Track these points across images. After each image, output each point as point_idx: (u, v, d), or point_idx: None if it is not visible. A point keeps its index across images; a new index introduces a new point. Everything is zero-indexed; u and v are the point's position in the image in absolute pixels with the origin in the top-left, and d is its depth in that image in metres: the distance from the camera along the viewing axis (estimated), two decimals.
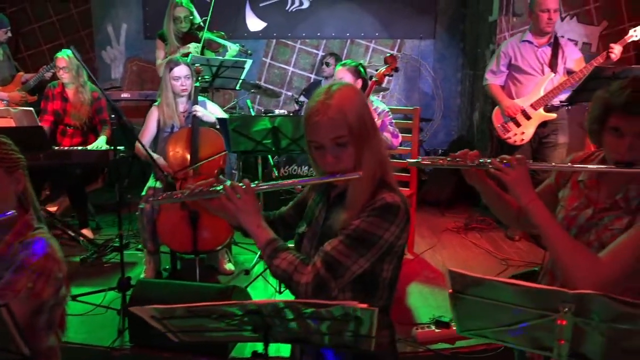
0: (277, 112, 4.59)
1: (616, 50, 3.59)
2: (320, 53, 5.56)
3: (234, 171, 5.24)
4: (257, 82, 5.56)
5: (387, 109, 3.34)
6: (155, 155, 3.30)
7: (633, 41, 3.79)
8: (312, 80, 5.55)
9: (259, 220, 1.51)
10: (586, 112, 4.14)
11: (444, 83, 5.64)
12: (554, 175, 1.78)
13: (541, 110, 3.80)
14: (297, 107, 4.75)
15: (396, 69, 3.32)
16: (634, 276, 1.51)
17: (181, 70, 3.33)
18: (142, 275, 3.31)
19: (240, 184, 1.49)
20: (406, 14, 5.46)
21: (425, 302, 3.11)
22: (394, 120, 3.33)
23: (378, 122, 3.19)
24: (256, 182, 1.56)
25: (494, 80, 4.00)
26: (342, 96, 1.45)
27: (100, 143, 3.84)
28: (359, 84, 3.27)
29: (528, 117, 3.82)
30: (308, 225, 1.63)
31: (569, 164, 1.71)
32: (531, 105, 3.80)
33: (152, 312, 1.09)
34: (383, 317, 1.58)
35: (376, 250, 1.46)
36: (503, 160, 1.55)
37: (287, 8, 5.49)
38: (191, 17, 4.32)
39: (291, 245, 1.62)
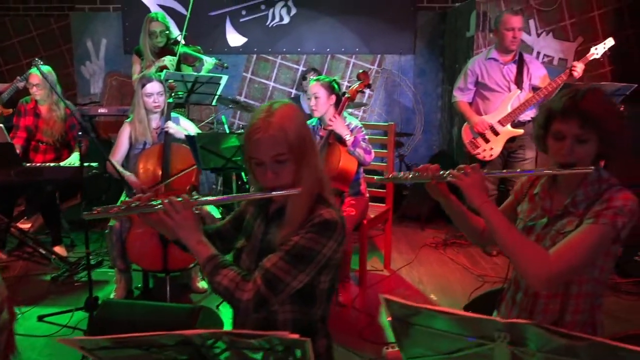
0: None
1: (578, 68, 3.70)
2: (301, 68, 5.57)
3: (213, 186, 5.21)
4: (238, 97, 5.55)
5: (360, 125, 3.33)
6: (126, 173, 3.27)
7: (595, 59, 3.89)
8: (292, 95, 5.54)
9: (199, 236, 1.53)
10: None
11: (424, 98, 5.65)
12: (513, 192, 1.88)
13: (508, 126, 3.86)
14: None
15: (369, 85, 3.33)
16: (589, 268, 1.57)
17: (153, 87, 3.31)
18: (112, 295, 3.25)
19: (179, 199, 1.50)
20: (386, 30, 5.49)
21: None
22: (367, 137, 3.31)
23: (351, 138, 3.18)
24: (196, 196, 1.57)
25: (462, 97, 4.07)
26: (283, 114, 1.49)
27: (73, 159, 3.80)
28: (332, 99, 3.27)
29: (496, 133, 3.88)
30: (247, 240, 1.65)
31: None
32: (499, 122, 3.86)
33: (80, 343, 1.05)
34: (321, 327, 1.62)
35: (315, 265, 1.49)
36: (459, 169, 1.63)
37: (267, 23, 5.50)
38: (167, 32, 4.32)
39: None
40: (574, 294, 1.59)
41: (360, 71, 3.34)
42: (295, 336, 1.00)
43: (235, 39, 5.53)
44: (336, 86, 3.30)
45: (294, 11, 5.49)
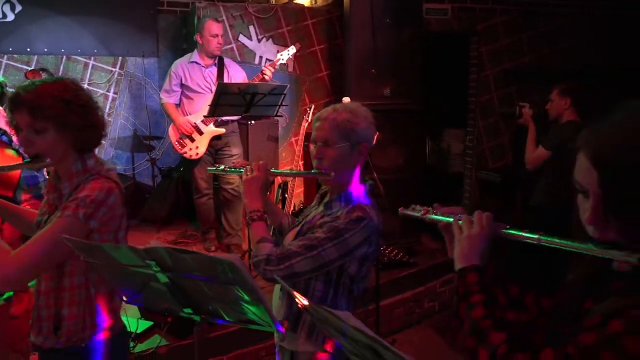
0: None
1: (267, 72, 3.95)
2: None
3: None
4: None
5: None
6: None
7: (282, 64, 4.25)
8: None
9: None
10: (273, 125, 4.42)
11: None
12: None
13: (212, 125, 4.04)
14: None
15: None
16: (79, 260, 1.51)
17: None
18: None
19: None
20: (126, 32, 5.37)
21: None
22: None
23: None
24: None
25: (168, 99, 4.18)
26: None
27: None
28: None
29: (200, 132, 4.04)
30: None
31: None
32: (202, 122, 4.02)
33: None
34: None
35: None
36: None
37: None
38: None
39: None
40: (67, 287, 1.55)
41: (29, 70, 3.21)
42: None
43: None
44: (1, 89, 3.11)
45: (19, 8, 5.09)
